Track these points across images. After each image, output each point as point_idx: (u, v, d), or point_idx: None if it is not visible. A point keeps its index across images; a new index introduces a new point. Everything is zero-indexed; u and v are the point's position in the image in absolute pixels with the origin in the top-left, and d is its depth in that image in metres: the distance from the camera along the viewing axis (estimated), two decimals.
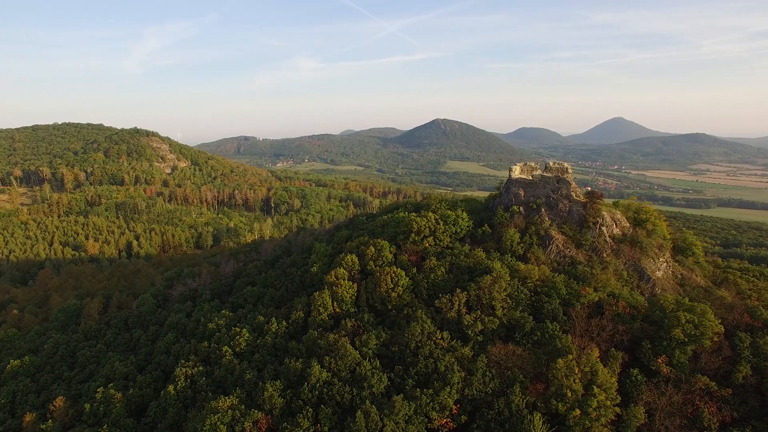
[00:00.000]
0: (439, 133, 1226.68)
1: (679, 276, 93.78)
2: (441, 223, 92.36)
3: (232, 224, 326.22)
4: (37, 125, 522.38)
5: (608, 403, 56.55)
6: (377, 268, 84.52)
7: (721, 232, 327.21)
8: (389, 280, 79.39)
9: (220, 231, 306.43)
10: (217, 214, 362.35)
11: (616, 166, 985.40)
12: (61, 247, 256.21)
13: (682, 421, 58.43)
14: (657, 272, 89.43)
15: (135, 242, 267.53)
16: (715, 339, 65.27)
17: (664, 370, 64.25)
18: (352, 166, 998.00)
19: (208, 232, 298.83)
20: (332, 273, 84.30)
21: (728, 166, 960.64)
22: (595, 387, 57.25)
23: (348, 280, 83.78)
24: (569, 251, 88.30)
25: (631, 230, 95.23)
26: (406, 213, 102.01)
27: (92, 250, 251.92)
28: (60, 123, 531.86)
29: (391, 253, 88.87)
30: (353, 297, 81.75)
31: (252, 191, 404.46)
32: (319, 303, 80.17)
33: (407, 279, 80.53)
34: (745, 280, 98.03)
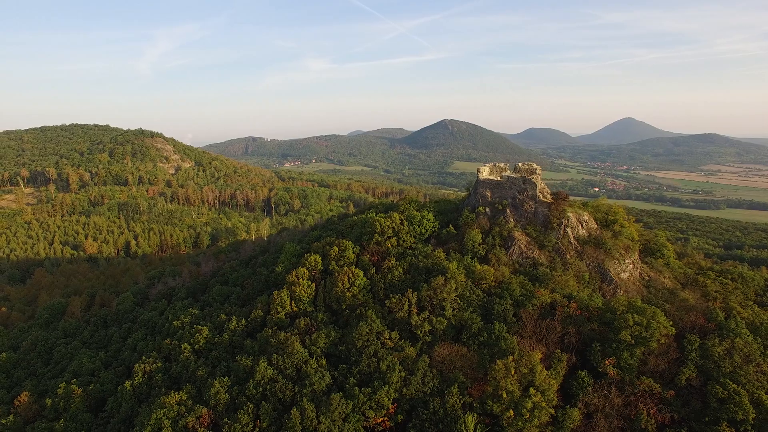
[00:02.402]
0: (447, 134, 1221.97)
1: (647, 278, 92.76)
2: (405, 223, 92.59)
3: (230, 224, 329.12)
4: (46, 126, 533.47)
5: (543, 404, 56.32)
6: (338, 267, 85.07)
7: (725, 233, 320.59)
8: (346, 280, 79.89)
9: (218, 231, 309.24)
10: (218, 214, 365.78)
11: (625, 167, 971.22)
12: (60, 246, 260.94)
13: (620, 422, 58.08)
14: (622, 274, 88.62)
15: (133, 242, 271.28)
16: (663, 341, 64.75)
17: (611, 372, 63.95)
18: (359, 167, 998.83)
19: (206, 232, 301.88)
20: (293, 273, 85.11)
21: (740, 166, 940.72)
22: (531, 388, 57.15)
23: (309, 280, 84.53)
24: (532, 252, 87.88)
25: (597, 231, 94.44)
26: (375, 213, 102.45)
27: (91, 250, 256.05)
28: (68, 124, 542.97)
29: (354, 253, 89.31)
30: (311, 296, 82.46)
31: (253, 192, 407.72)
32: (277, 302, 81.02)
33: (365, 279, 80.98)
34: (718, 282, 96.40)
